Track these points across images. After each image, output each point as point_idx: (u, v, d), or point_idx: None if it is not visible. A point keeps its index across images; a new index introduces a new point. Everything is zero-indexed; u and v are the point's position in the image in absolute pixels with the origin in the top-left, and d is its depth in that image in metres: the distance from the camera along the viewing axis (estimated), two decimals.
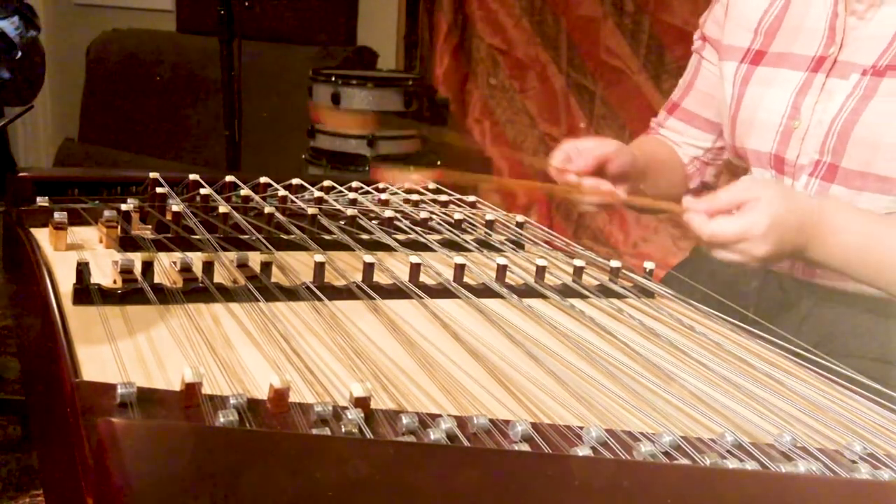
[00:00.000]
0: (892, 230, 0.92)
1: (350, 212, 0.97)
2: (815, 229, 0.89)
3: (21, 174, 1.00)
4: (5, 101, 1.86)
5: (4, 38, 1.74)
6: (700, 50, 1.22)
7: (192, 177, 1.02)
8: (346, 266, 0.84)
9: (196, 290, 0.73)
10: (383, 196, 1.06)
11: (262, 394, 0.55)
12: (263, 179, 1.07)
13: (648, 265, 0.92)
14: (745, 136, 1.08)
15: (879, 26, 0.97)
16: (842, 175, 0.97)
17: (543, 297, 0.83)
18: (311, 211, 0.94)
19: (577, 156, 1.03)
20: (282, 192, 1.02)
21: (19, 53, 1.76)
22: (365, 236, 0.93)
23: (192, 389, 0.53)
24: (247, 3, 2.30)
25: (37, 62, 1.85)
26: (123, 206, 0.90)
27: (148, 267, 0.73)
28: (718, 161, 1.24)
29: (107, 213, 0.87)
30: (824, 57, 1.01)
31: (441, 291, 0.80)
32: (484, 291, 0.82)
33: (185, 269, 0.75)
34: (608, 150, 1.03)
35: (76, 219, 0.90)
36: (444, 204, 1.09)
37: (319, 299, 0.74)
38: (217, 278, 0.75)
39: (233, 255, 0.79)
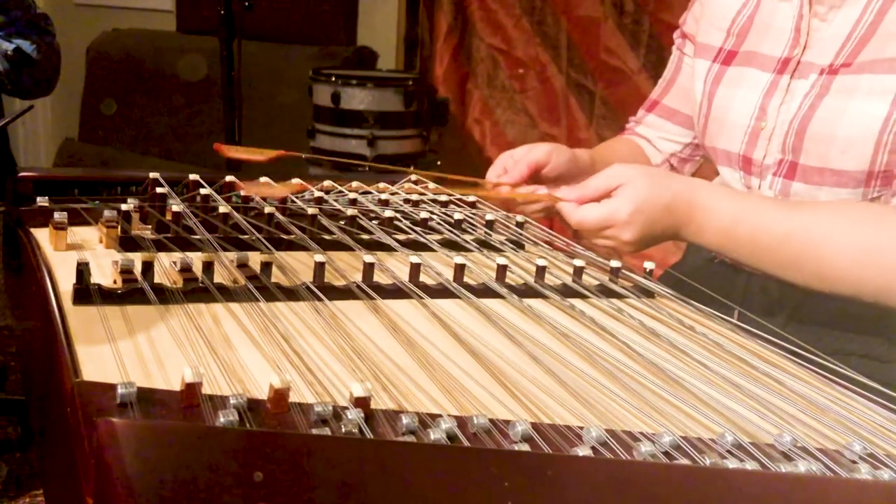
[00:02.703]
0: (762, 210, 0.93)
1: (350, 212, 0.97)
2: (685, 211, 0.91)
3: (21, 174, 1.00)
4: (28, 97, 1.91)
5: (23, 55, 1.78)
6: (681, 46, 1.22)
7: (192, 177, 1.02)
8: (346, 266, 0.84)
9: (196, 290, 0.72)
10: (383, 196, 1.06)
11: (262, 394, 0.55)
12: (263, 180, 1.07)
13: (648, 265, 0.92)
14: (715, 136, 1.09)
15: (838, 28, 0.98)
16: (801, 172, 0.99)
17: (543, 297, 0.83)
18: (311, 211, 0.94)
19: (511, 166, 1.05)
20: None
21: (37, 66, 1.82)
22: (365, 236, 0.93)
23: (192, 389, 0.53)
24: (247, 3, 2.30)
25: (53, 64, 1.89)
26: (123, 206, 0.90)
27: (148, 267, 0.73)
28: (696, 157, 1.25)
29: (107, 213, 0.87)
30: (789, 58, 1.02)
31: (441, 291, 0.80)
32: (484, 291, 0.82)
33: (185, 269, 0.75)
34: (538, 155, 1.05)
35: (76, 219, 0.90)
36: (444, 204, 1.09)
37: (319, 299, 0.74)
38: (217, 278, 0.75)
39: (233, 255, 0.79)
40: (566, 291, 0.85)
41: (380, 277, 0.81)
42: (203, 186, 1.00)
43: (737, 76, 1.07)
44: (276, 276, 0.78)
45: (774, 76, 1.03)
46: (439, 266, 0.85)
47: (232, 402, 0.53)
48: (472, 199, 1.13)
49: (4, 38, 1.78)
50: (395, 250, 0.90)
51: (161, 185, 0.99)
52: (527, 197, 1.02)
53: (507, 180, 1.03)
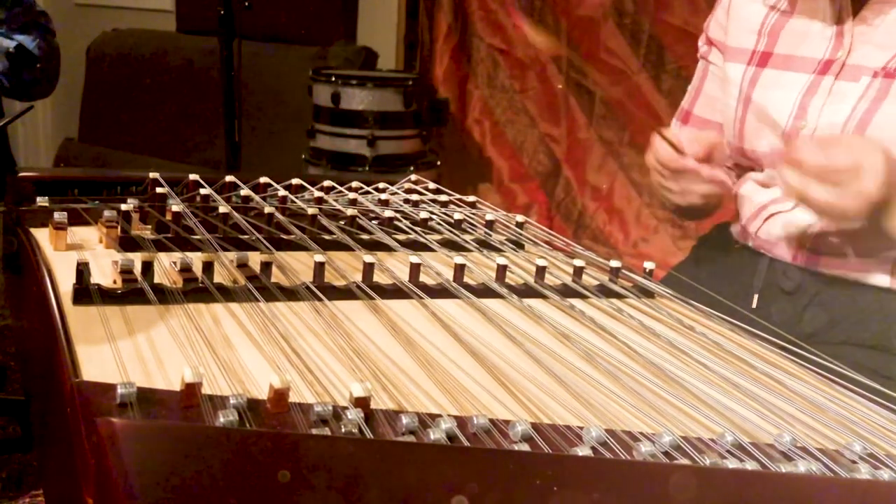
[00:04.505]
0: None
1: (350, 212, 0.97)
2: None
3: (21, 174, 1.00)
4: (28, 98, 1.89)
5: (25, 52, 1.76)
6: (706, 55, 1.22)
7: (192, 177, 1.02)
8: (346, 266, 0.84)
9: (196, 290, 0.72)
10: (383, 196, 1.06)
11: (262, 394, 0.55)
12: (263, 179, 1.07)
13: (648, 265, 0.92)
14: (753, 138, 1.09)
15: (887, 32, 0.99)
16: None
17: (543, 297, 0.83)
18: (311, 211, 0.94)
19: (688, 143, 1.04)
20: (282, 192, 1.02)
21: (39, 64, 1.80)
22: (365, 236, 0.93)
23: (192, 389, 0.53)
24: (247, 3, 2.29)
25: (54, 63, 1.88)
26: (123, 206, 0.90)
27: (148, 267, 0.73)
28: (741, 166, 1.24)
29: (107, 213, 0.87)
30: (832, 60, 1.02)
31: (441, 291, 0.80)
32: (484, 291, 0.82)
33: (185, 269, 0.75)
34: (713, 137, 1.05)
35: (76, 219, 0.90)
36: (444, 204, 1.09)
37: (319, 299, 0.74)
38: (217, 278, 0.75)
39: (233, 255, 0.79)
40: (566, 291, 0.85)
41: (380, 277, 0.81)
42: (203, 186, 1.00)
43: (774, 78, 1.07)
44: (276, 276, 0.78)
45: (815, 77, 1.03)
46: (439, 266, 0.85)
47: (232, 402, 0.53)
48: (471, 199, 1.13)
49: (5, 36, 1.77)
50: (395, 250, 0.90)
51: (161, 185, 0.99)
52: (711, 177, 1.03)
53: (691, 153, 1.03)
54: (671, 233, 2.69)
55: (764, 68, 1.09)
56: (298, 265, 0.83)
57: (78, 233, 0.88)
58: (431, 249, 0.91)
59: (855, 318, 1.02)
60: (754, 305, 1.09)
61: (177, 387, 0.54)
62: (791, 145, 0.92)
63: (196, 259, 0.77)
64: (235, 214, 0.90)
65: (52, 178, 1.04)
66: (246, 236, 0.87)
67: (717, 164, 1.05)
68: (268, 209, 0.93)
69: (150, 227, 0.90)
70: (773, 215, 1.09)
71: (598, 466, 0.48)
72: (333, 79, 2.56)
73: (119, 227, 0.86)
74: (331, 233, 0.92)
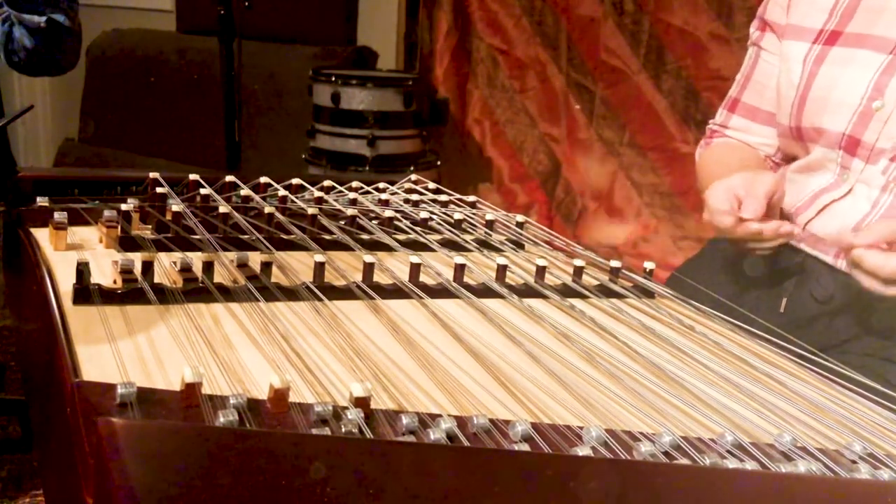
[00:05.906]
0: None
1: (350, 212, 0.97)
2: None
3: (21, 174, 1.00)
4: (56, 72, 1.87)
5: (56, 26, 1.74)
6: (759, 41, 1.19)
7: (192, 177, 1.02)
8: (346, 266, 0.84)
9: (196, 290, 0.72)
10: (383, 196, 1.06)
11: (262, 394, 0.56)
12: (263, 179, 1.07)
13: (648, 265, 0.92)
14: (815, 116, 1.06)
15: None
16: None
17: (543, 297, 0.83)
18: (311, 211, 0.94)
19: (746, 199, 0.98)
20: (282, 192, 1.02)
21: (70, 38, 1.77)
22: (365, 236, 0.93)
23: (192, 389, 0.53)
24: (247, 3, 2.29)
25: (79, 35, 1.86)
26: (123, 206, 0.90)
27: (148, 267, 0.73)
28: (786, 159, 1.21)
29: (107, 213, 0.87)
30: None
31: (441, 291, 0.80)
32: (484, 291, 0.82)
33: (185, 269, 0.75)
34: (771, 185, 0.99)
35: (76, 219, 0.90)
36: (444, 204, 1.09)
37: (319, 299, 0.74)
38: (217, 278, 0.75)
39: (233, 255, 0.79)
40: (566, 291, 0.85)
41: (380, 277, 0.81)
42: (203, 186, 1.00)
43: (844, 56, 1.04)
44: (276, 276, 0.78)
45: (893, 57, 1.00)
46: (439, 266, 0.85)
47: (232, 402, 0.53)
48: (471, 199, 1.13)
49: (36, 12, 1.74)
50: (395, 250, 0.90)
51: (161, 185, 0.99)
52: (775, 234, 0.97)
53: (751, 216, 0.96)
54: (671, 233, 2.70)
55: (833, 46, 1.05)
56: (298, 265, 0.83)
57: (78, 233, 0.88)
58: (431, 249, 0.91)
59: (886, 331, 0.99)
60: (782, 310, 1.07)
61: (177, 387, 0.54)
62: (860, 255, 0.87)
63: (196, 259, 0.77)
64: (235, 214, 0.90)
65: (52, 178, 1.04)
66: (246, 236, 0.87)
67: (775, 205, 1.00)
68: (268, 209, 0.93)
69: (150, 227, 0.90)
70: (827, 206, 1.05)
71: (597, 466, 0.48)
72: (333, 79, 2.56)
73: (119, 227, 0.86)
74: (331, 233, 0.92)
